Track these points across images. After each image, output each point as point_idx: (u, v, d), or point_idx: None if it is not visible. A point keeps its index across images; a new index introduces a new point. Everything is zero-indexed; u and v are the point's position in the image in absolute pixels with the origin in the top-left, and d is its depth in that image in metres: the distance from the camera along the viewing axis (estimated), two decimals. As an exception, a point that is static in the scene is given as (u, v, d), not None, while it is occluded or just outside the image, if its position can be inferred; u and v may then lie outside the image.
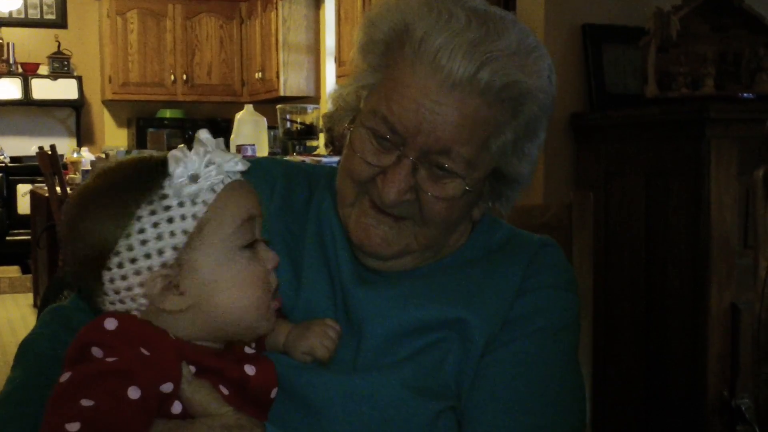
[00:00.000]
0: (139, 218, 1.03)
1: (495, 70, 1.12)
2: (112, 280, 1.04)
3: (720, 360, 2.48)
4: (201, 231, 1.05)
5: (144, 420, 0.96)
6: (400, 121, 1.15)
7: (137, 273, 1.03)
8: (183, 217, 1.04)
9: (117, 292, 1.05)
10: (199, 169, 1.04)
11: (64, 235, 1.07)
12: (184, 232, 1.04)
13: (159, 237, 1.03)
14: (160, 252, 1.03)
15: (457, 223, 1.24)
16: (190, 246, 1.05)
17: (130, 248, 1.03)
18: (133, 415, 0.94)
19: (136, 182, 1.04)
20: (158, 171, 1.05)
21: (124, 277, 1.04)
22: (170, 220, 1.03)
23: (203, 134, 1.07)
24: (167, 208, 1.03)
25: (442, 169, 1.16)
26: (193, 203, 1.04)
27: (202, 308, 1.07)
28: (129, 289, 1.04)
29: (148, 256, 1.03)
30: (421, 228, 1.20)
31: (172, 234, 1.04)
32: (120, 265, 1.03)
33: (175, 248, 1.04)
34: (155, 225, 1.03)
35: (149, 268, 1.04)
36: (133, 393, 0.93)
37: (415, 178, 1.17)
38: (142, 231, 1.03)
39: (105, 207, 1.04)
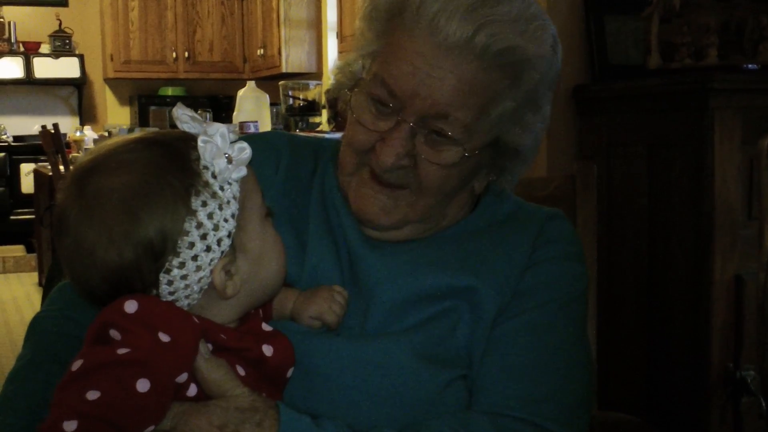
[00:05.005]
0: (194, 212, 1.00)
1: (492, 33, 1.11)
2: (170, 282, 1.00)
3: (724, 331, 2.48)
4: (242, 210, 1.05)
5: (154, 413, 0.95)
6: (398, 85, 1.15)
7: (198, 269, 1.01)
8: (229, 201, 1.02)
9: (173, 293, 1.01)
10: (230, 149, 1.03)
11: (89, 242, 0.99)
12: (233, 215, 1.03)
13: (216, 227, 1.01)
14: (219, 242, 1.02)
15: (454, 193, 1.24)
16: (238, 228, 1.04)
17: (191, 246, 1.00)
18: (141, 408, 0.92)
19: (175, 175, 1.00)
20: (184, 158, 1.02)
21: (184, 277, 1.01)
22: (221, 207, 1.01)
23: (183, 110, 1.05)
24: (215, 195, 1.01)
25: (440, 134, 1.16)
26: (230, 184, 1.03)
27: (250, 285, 1.08)
28: (187, 286, 1.01)
29: (208, 249, 1.01)
30: (418, 197, 1.21)
31: (226, 220, 1.02)
32: (182, 265, 1.00)
33: (229, 235, 1.03)
34: (210, 216, 1.00)
35: (211, 262, 1.02)
36: (142, 385, 0.92)
37: (412, 143, 1.17)
38: (200, 225, 1.00)
39: (155, 208, 0.98)
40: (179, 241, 0.99)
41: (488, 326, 1.20)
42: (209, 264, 1.02)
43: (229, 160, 1.02)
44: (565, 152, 2.96)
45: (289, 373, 1.11)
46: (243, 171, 1.04)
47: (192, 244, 1.00)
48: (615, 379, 2.80)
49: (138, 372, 0.92)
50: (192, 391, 1.01)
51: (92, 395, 0.90)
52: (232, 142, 1.03)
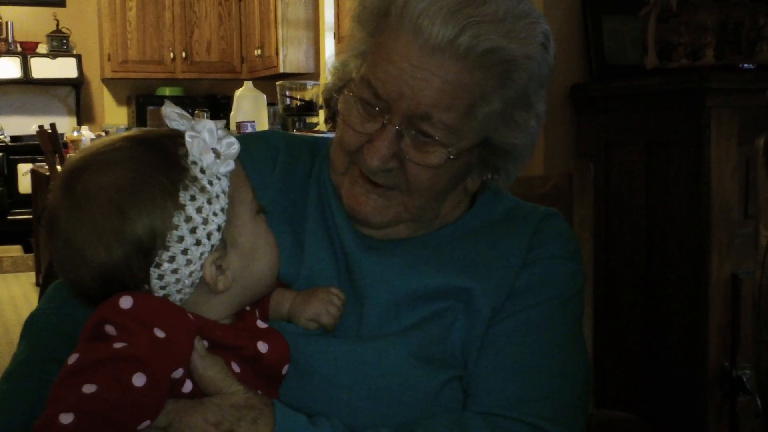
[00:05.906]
0: (183, 207, 1.00)
1: (476, 34, 1.11)
2: (161, 277, 1.01)
3: (720, 330, 2.49)
4: (232, 205, 1.05)
5: (150, 408, 0.95)
6: (384, 87, 1.15)
7: (189, 263, 1.01)
8: (218, 196, 1.03)
9: (164, 287, 1.02)
10: (218, 144, 1.03)
11: (79, 242, 0.99)
12: (222, 210, 1.03)
13: (205, 221, 1.01)
14: (209, 236, 1.02)
15: (446, 193, 1.24)
16: (228, 222, 1.04)
17: (181, 239, 1.00)
18: (137, 403, 0.93)
19: (163, 172, 1.01)
20: (171, 154, 1.02)
21: (175, 271, 1.01)
22: (210, 201, 1.02)
23: (171, 108, 1.05)
24: (203, 189, 1.02)
25: (425, 135, 1.16)
26: (218, 179, 1.04)
27: (242, 280, 1.08)
28: (178, 281, 1.02)
29: (198, 243, 1.01)
30: (409, 197, 1.21)
31: (215, 214, 1.02)
32: (172, 259, 1.00)
33: (219, 229, 1.03)
34: (199, 210, 1.01)
35: (201, 256, 1.02)
36: (138, 380, 0.92)
37: (399, 145, 1.17)
38: (189, 219, 1.00)
39: (143, 205, 0.99)
40: (168, 235, 1.00)
41: (483, 327, 1.20)
42: (199, 258, 1.02)
43: (217, 155, 1.03)
44: (562, 151, 2.96)
45: (285, 370, 1.11)
46: (231, 165, 1.04)
47: (181, 238, 1.00)
48: (612, 377, 2.80)
49: (134, 367, 0.93)
50: (188, 387, 1.01)
51: (88, 389, 0.90)
52: (220, 138, 1.04)
